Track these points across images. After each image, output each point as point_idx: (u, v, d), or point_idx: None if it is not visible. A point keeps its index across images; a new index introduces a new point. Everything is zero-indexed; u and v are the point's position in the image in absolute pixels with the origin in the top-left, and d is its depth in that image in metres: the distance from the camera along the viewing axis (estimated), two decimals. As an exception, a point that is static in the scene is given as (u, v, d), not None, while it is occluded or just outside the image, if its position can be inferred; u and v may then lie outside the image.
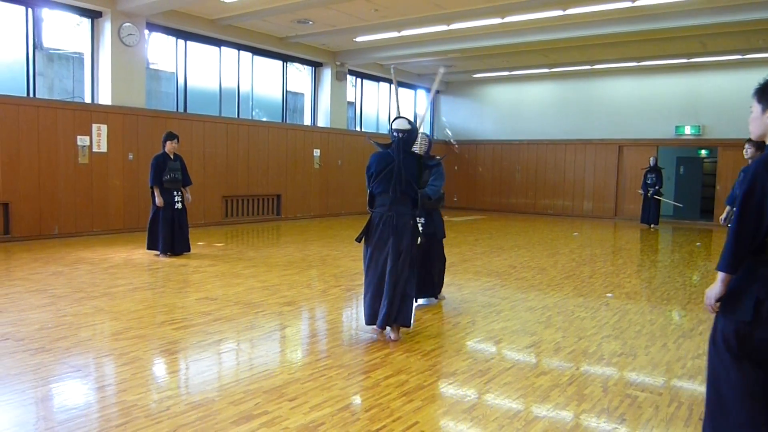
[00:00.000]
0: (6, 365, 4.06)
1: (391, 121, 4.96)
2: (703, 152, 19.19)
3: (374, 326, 4.91)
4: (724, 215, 7.44)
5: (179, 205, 8.93)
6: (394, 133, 4.89)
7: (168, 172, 8.85)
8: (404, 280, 4.81)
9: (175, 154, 9.00)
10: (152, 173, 8.77)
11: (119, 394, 3.64)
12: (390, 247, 4.78)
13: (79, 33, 11.59)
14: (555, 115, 19.01)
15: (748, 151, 7.01)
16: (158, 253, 8.88)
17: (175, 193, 8.92)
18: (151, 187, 8.83)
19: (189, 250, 9.15)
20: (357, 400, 3.65)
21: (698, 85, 16.76)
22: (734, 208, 7.02)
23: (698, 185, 18.32)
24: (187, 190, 9.15)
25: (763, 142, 2.46)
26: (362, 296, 5.16)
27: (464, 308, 6.14)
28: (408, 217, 4.86)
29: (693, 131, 16.82)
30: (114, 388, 3.77)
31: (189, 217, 12.56)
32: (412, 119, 4.98)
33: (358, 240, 4.96)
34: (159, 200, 8.77)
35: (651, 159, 15.35)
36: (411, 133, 4.91)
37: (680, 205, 16.42)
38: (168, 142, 8.94)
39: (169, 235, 8.86)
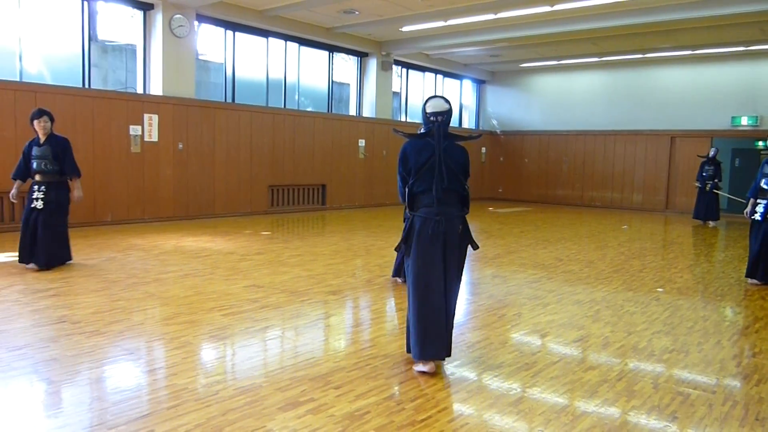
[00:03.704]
0: (63, 347, 4.21)
1: (425, 102, 4.04)
2: (761, 143, 18.47)
3: (425, 361, 3.92)
4: (748, 208, 7.22)
5: (38, 204, 6.73)
6: (431, 117, 3.97)
7: (33, 160, 6.79)
8: (455, 301, 4.03)
9: (50, 137, 6.86)
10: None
11: (170, 377, 3.74)
12: (441, 261, 3.87)
13: (131, 25, 11.87)
14: (604, 105, 18.58)
15: None
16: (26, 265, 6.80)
17: (35, 188, 6.79)
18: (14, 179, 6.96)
19: (46, 264, 6.74)
20: (402, 389, 3.65)
21: (756, 74, 16.12)
22: (758, 200, 7.00)
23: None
24: (76, 184, 7.06)
25: None
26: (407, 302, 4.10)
27: (510, 300, 6.08)
28: (459, 220, 3.94)
29: (750, 122, 16.21)
30: (165, 372, 3.86)
31: (233, 205, 12.88)
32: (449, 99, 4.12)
33: (398, 250, 4.11)
34: (11, 193, 6.90)
35: (711, 150, 14.45)
36: (450, 114, 4.02)
37: (744, 201, 15.34)
38: (34, 122, 6.79)
39: (26, 241, 6.75)
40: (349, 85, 16.92)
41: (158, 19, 11.50)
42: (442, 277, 3.86)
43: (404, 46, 16.11)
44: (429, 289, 3.87)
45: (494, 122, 20.92)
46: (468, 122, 20.98)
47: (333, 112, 15.95)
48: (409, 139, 4.07)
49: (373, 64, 16.47)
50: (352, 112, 16.78)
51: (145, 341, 4.45)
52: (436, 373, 3.90)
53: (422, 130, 4.12)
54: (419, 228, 3.91)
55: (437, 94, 4.06)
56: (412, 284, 3.93)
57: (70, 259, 7.23)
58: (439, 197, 3.86)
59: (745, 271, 7.49)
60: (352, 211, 15.05)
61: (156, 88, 11.66)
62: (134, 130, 11.12)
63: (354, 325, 5.37)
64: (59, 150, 6.83)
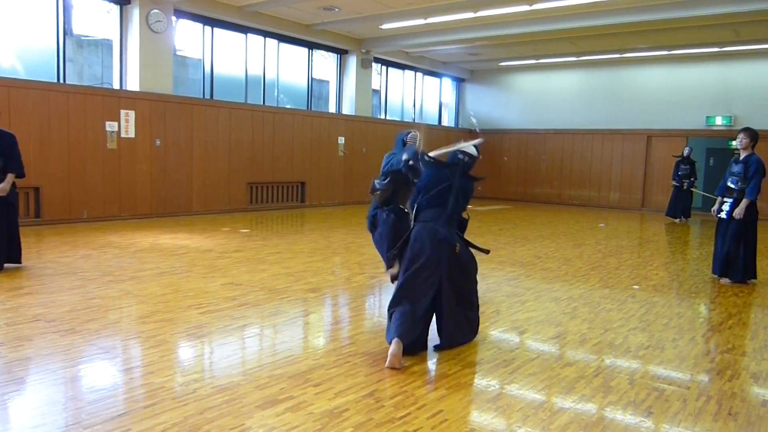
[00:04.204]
0: (37, 346, 4.14)
1: (463, 143, 4.61)
2: (734, 143, 18.78)
3: (397, 350, 3.99)
4: (716, 206, 7.34)
5: None
6: (459, 155, 4.53)
7: None
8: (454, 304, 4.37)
9: None
10: None
11: (146, 376, 3.70)
12: (439, 266, 4.23)
13: (108, 19, 11.70)
14: (582, 105, 18.76)
15: (742, 141, 7.11)
16: None
17: None
18: None
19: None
20: (381, 387, 3.65)
21: (730, 75, 16.39)
22: (724, 198, 7.12)
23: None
24: (9, 178, 6.40)
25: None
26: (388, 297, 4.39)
27: (488, 298, 6.11)
28: (456, 239, 4.39)
29: (724, 122, 16.48)
30: (141, 370, 3.82)
31: (212, 203, 12.77)
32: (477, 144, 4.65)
33: (393, 257, 4.41)
34: None
35: (685, 149, 14.67)
36: (476, 161, 4.58)
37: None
38: None
39: None
40: (328, 82, 16.87)
41: (135, 13, 11.35)
42: (444, 275, 4.21)
43: (384, 44, 16.10)
44: (423, 285, 4.18)
45: (473, 120, 20.99)
46: (447, 120, 21.04)
47: (312, 109, 15.89)
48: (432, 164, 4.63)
49: (352, 62, 16.43)
50: (332, 109, 16.73)
51: (122, 340, 4.40)
52: (415, 371, 3.91)
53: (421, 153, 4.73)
54: (418, 233, 4.32)
55: (475, 143, 4.68)
56: (403, 277, 4.27)
57: (19, 262, 6.69)
58: (442, 216, 4.38)
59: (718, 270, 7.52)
60: (332, 209, 15.02)
61: (133, 84, 11.51)
62: (110, 126, 10.97)
63: (333, 322, 5.37)
64: (6, 146, 6.39)
